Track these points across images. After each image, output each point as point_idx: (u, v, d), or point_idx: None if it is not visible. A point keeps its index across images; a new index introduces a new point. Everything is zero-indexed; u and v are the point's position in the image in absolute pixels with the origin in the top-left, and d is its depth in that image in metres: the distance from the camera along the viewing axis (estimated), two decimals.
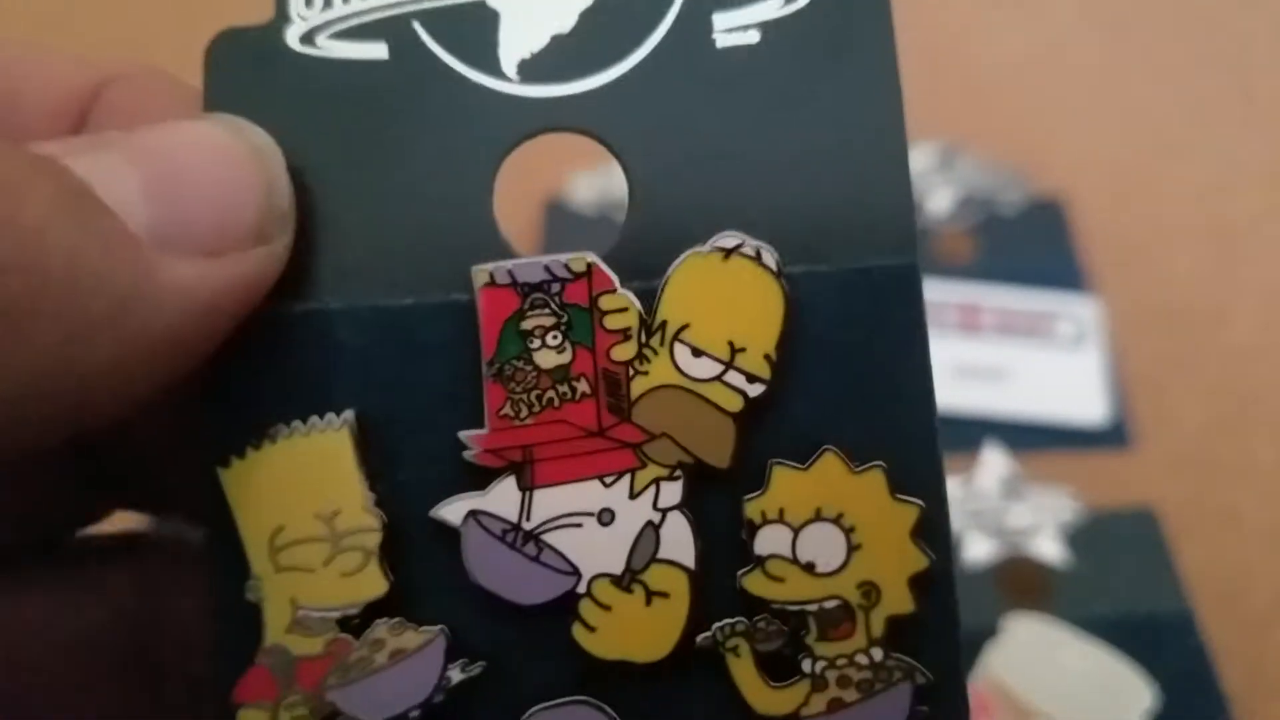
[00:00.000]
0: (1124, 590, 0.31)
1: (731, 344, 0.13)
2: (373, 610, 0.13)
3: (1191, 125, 0.45)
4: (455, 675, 0.12)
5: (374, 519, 0.13)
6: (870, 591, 0.13)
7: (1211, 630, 0.30)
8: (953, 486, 0.32)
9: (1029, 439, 0.36)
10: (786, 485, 0.13)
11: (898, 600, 0.12)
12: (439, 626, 0.12)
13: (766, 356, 0.13)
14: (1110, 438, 0.36)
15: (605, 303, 0.13)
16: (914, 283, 0.13)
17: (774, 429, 0.13)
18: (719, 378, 0.13)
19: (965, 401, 0.37)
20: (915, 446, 0.13)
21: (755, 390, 0.13)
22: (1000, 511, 0.33)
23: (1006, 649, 0.27)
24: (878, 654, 0.12)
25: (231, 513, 0.13)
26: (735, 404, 0.13)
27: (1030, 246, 0.40)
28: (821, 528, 0.13)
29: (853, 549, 0.13)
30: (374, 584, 0.12)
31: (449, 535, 0.13)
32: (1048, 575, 0.31)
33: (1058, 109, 0.45)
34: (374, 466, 0.13)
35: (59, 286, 0.11)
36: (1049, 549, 0.32)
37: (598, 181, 0.41)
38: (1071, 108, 0.45)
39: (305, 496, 0.13)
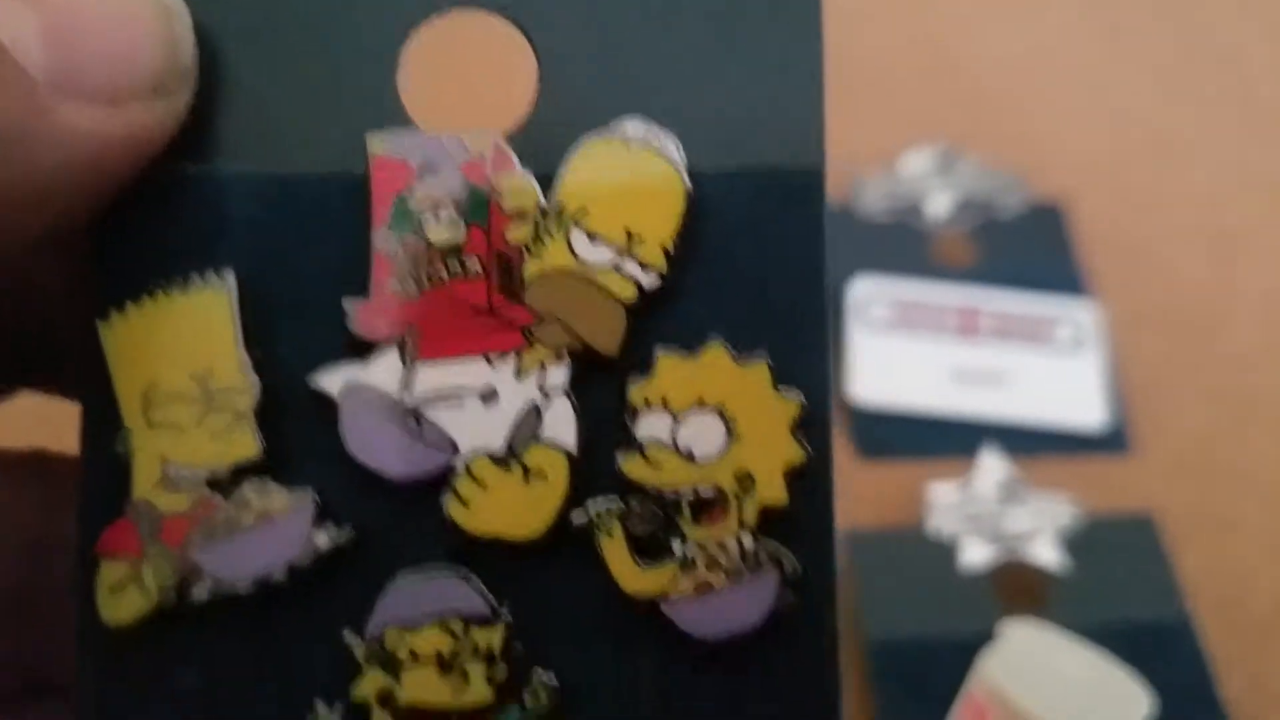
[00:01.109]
0: (1123, 596, 0.31)
1: (629, 232, 0.13)
2: (242, 473, 0.12)
3: (1191, 130, 0.44)
4: (322, 541, 0.12)
5: (248, 381, 0.12)
6: (745, 480, 0.13)
7: (1211, 637, 0.30)
8: (951, 490, 0.33)
9: (1028, 443, 0.36)
10: (671, 373, 0.13)
11: (772, 491, 0.13)
12: (308, 490, 0.12)
13: (663, 247, 0.13)
14: (1109, 443, 0.36)
15: (503, 184, 0.13)
16: (817, 186, 0.13)
17: (664, 319, 0.13)
18: (614, 265, 0.13)
19: (964, 405, 0.36)
20: (802, 343, 0.13)
21: (650, 280, 0.13)
22: (998, 516, 0.33)
23: (1003, 655, 0.27)
24: (748, 541, 0.13)
25: (108, 367, 0.12)
26: (629, 292, 0.13)
27: (1030, 250, 0.40)
28: (703, 416, 0.13)
29: (732, 438, 0.13)
30: (244, 446, 0.12)
31: (327, 405, 0.13)
32: (1046, 581, 0.31)
33: (1057, 113, 0.45)
34: (255, 332, 0.13)
35: None
36: (1047, 554, 0.32)
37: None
38: (1071, 112, 0.45)
39: (181, 355, 0.12)
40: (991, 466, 0.34)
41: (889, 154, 0.41)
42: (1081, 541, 0.32)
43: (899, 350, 0.37)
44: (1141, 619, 0.30)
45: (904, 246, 0.40)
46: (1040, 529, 0.32)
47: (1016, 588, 0.31)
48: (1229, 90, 0.46)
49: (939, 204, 0.40)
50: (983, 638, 0.27)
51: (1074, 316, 0.38)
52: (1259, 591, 0.33)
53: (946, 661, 0.29)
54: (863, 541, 0.32)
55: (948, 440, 0.36)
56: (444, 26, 0.14)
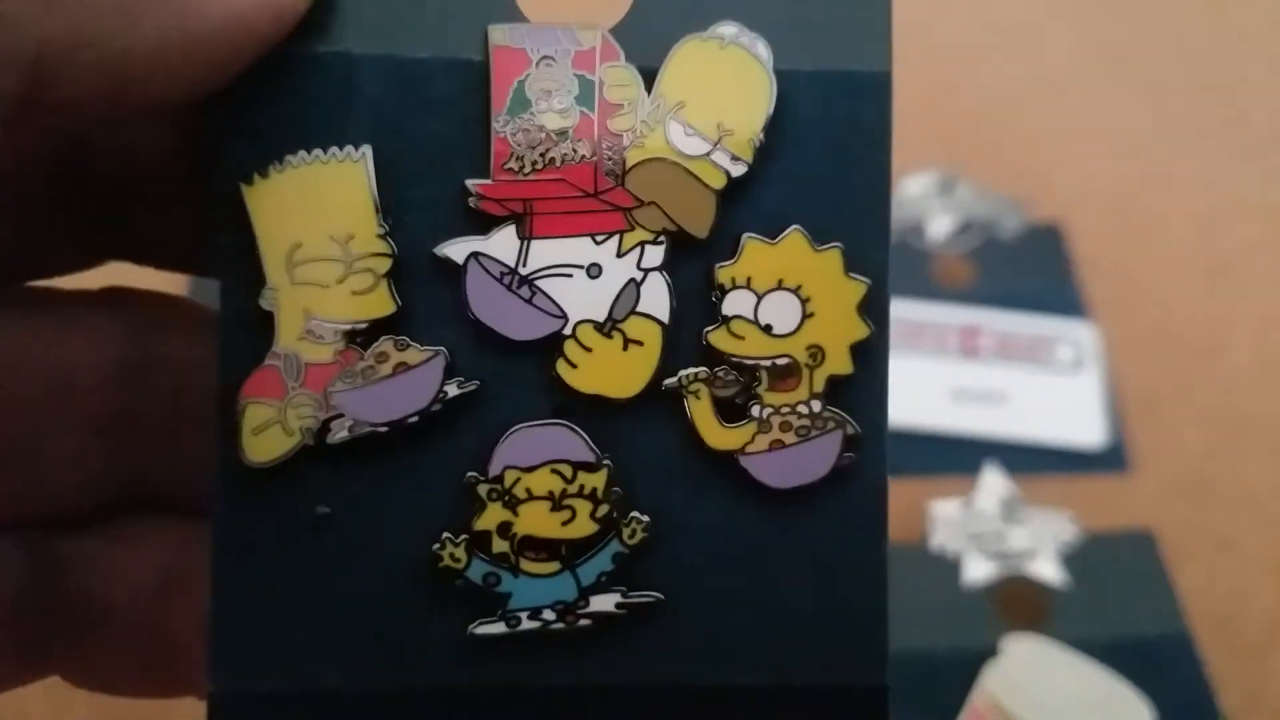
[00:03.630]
0: (1122, 613, 0.31)
1: (720, 125, 0.14)
2: (379, 328, 0.14)
3: (1188, 154, 0.45)
4: (452, 390, 0.14)
5: (386, 246, 0.14)
6: (817, 353, 0.15)
7: (1208, 654, 0.30)
8: (953, 508, 0.33)
9: (1028, 462, 0.36)
10: (755, 256, 0.14)
11: (839, 362, 0.15)
12: (439, 347, 0.14)
13: (751, 140, 0.14)
14: (1108, 461, 0.36)
15: (609, 75, 0.14)
16: (884, 88, 0.15)
17: (750, 206, 0.14)
18: (706, 155, 0.14)
19: (965, 424, 0.37)
20: (870, 233, 0.15)
21: (738, 170, 0.14)
22: (1000, 533, 0.33)
23: (1005, 669, 0.27)
24: (817, 406, 0.15)
25: (251, 227, 0.13)
26: (719, 181, 0.14)
27: (1029, 272, 0.40)
28: (781, 295, 0.15)
29: (806, 316, 0.15)
30: (383, 304, 0.14)
31: (451, 271, 0.14)
32: (1047, 596, 0.32)
33: (1056, 140, 0.45)
34: (386, 203, 0.14)
35: None
36: (1048, 570, 0.32)
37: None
38: (1069, 139, 0.45)
39: (322, 219, 0.14)
40: (993, 484, 0.34)
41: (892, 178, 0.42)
42: (1081, 557, 0.32)
43: (901, 370, 0.37)
44: (1141, 634, 0.30)
45: (905, 267, 0.40)
46: (1041, 545, 0.32)
47: (1018, 603, 0.31)
48: (1225, 118, 0.47)
49: (940, 226, 0.41)
50: (985, 653, 0.27)
51: (1073, 337, 0.38)
52: (1255, 609, 0.33)
53: (949, 676, 0.29)
54: None
55: (950, 458, 0.36)
56: None
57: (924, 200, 0.41)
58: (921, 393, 0.37)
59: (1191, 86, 0.48)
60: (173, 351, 0.15)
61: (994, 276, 0.40)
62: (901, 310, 0.38)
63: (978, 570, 0.32)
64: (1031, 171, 0.44)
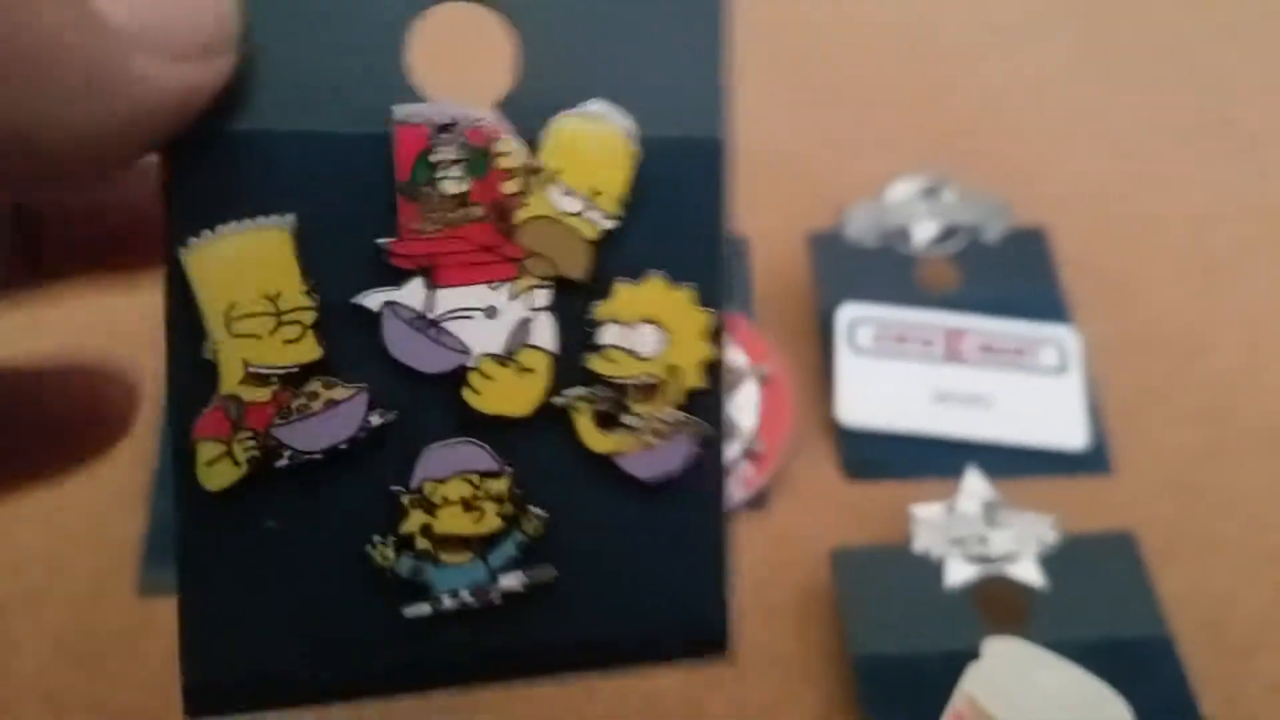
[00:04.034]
0: (1102, 614, 0.31)
1: (593, 187, 0.17)
2: (309, 370, 0.16)
3: (1173, 157, 0.45)
4: (375, 419, 0.17)
5: (310, 300, 0.16)
6: (675, 371, 0.18)
7: (1190, 657, 0.30)
8: (936, 511, 0.33)
9: (1011, 464, 0.36)
10: (624, 295, 0.18)
11: (692, 377, 0.18)
12: (362, 384, 0.16)
13: (618, 199, 0.18)
14: (1092, 463, 0.36)
15: (498, 146, 0.17)
16: (720, 152, 0.18)
17: (619, 254, 0.18)
18: (582, 213, 0.17)
19: (949, 427, 0.37)
20: (713, 275, 0.18)
21: (609, 224, 0.17)
22: (982, 537, 0.33)
23: (986, 671, 0.26)
24: (677, 414, 0.18)
25: (190, 289, 0.15)
26: (593, 233, 0.17)
27: (1014, 276, 0.40)
28: (646, 327, 0.18)
29: (666, 342, 0.18)
30: (310, 350, 0.16)
31: (368, 318, 0.17)
32: (1028, 598, 0.31)
33: (1041, 142, 0.45)
34: (308, 262, 0.16)
35: (49, 51, 0.13)
36: (1030, 572, 0.32)
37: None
38: (1054, 141, 0.45)
39: (254, 279, 0.16)
40: (975, 487, 0.34)
41: (878, 182, 0.41)
42: (1062, 559, 0.32)
43: (885, 373, 0.38)
44: (1121, 636, 0.30)
45: (890, 271, 0.40)
46: (1023, 547, 0.32)
47: (999, 605, 0.31)
48: (1211, 119, 0.46)
49: (925, 230, 0.40)
50: (966, 654, 0.26)
51: (1057, 340, 0.38)
52: (1238, 611, 0.33)
53: (930, 677, 0.28)
54: (848, 559, 0.32)
55: (933, 461, 0.36)
56: (443, 14, 0.17)
57: (909, 205, 0.41)
58: (905, 396, 0.37)
59: (1179, 88, 0.47)
60: None
61: (979, 280, 0.40)
62: (886, 314, 0.39)
63: (959, 573, 0.32)
64: (1017, 174, 0.43)
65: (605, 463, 0.18)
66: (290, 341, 0.16)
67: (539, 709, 0.30)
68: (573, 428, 0.18)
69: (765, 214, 0.40)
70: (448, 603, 0.17)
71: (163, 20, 0.14)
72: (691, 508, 0.18)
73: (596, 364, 0.18)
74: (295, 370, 0.16)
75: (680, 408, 0.18)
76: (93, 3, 0.13)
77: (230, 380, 0.16)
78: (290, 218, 0.16)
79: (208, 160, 0.15)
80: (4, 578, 0.32)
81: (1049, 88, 0.48)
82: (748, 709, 0.31)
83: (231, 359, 0.16)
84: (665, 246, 0.18)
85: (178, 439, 0.16)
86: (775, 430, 0.36)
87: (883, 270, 0.40)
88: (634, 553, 0.18)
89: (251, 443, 0.16)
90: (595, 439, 0.18)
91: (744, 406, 0.36)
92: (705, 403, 0.18)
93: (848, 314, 0.39)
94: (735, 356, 0.37)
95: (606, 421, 0.18)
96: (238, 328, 0.16)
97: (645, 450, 0.18)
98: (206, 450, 0.16)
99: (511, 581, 0.17)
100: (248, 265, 0.16)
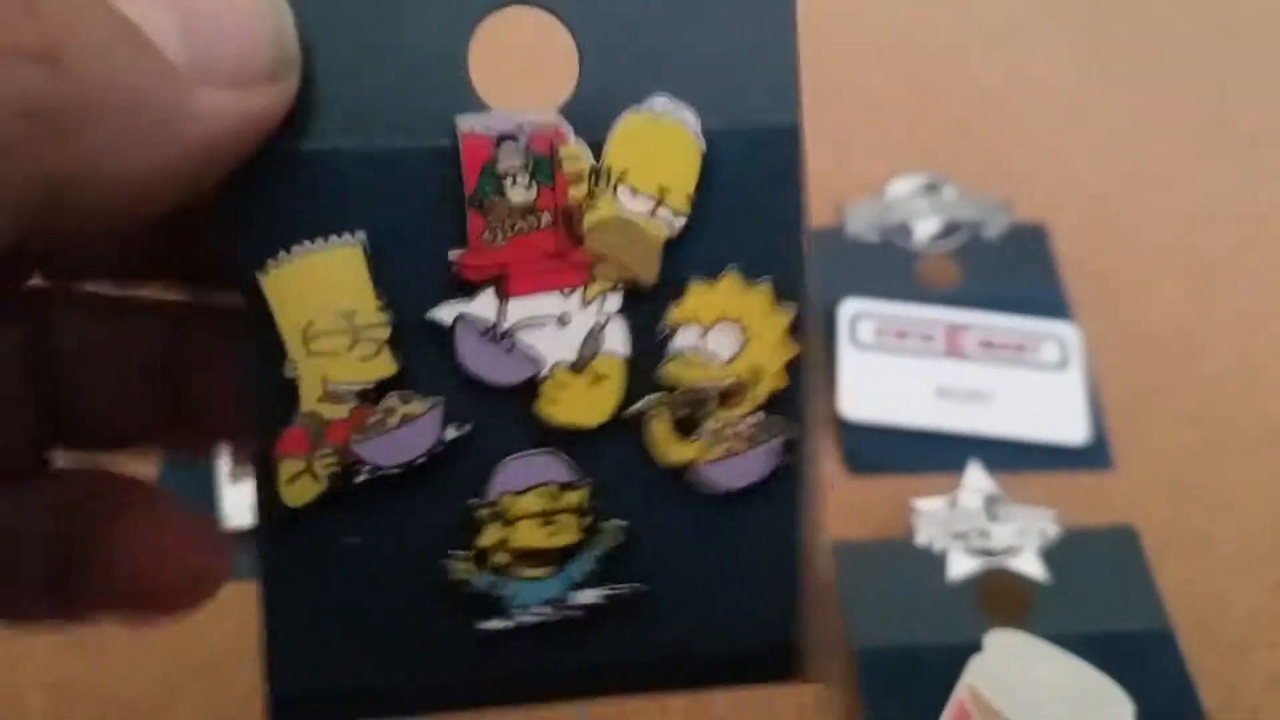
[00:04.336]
0: (1104, 608, 0.31)
1: (660, 186, 0.17)
2: (385, 386, 0.16)
3: (1171, 156, 0.45)
4: (450, 433, 0.16)
5: (384, 317, 0.16)
6: (756, 372, 0.17)
7: (1189, 651, 0.30)
8: (938, 506, 0.34)
9: (1012, 459, 0.36)
10: (699, 296, 0.17)
11: (776, 378, 0.17)
12: (438, 398, 0.16)
13: (687, 197, 0.17)
14: (1092, 458, 0.36)
15: (563, 151, 0.17)
16: (795, 139, 0.17)
17: (691, 253, 0.17)
18: (651, 213, 0.17)
19: (950, 423, 0.37)
20: (792, 268, 0.17)
21: (678, 223, 0.17)
22: (984, 530, 0.33)
23: (988, 664, 0.27)
24: (760, 417, 0.17)
25: (269, 310, 0.16)
26: (663, 234, 0.17)
27: (1014, 272, 0.40)
28: (723, 327, 0.17)
29: (745, 343, 0.17)
30: (386, 366, 0.16)
31: (441, 332, 0.17)
32: (1029, 591, 0.32)
33: (1039, 141, 0.45)
34: (380, 279, 0.16)
35: (123, 94, 0.13)
36: (1031, 566, 0.32)
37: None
38: (1052, 140, 0.45)
39: (329, 298, 0.16)
40: (977, 482, 0.34)
41: (877, 181, 0.42)
42: (1063, 553, 0.32)
43: (887, 368, 0.38)
44: (1122, 629, 0.30)
45: (891, 267, 0.40)
46: (1025, 541, 0.32)
47: (1001, 598, 0.31)
48: (1209, 118, 0.46)
49: (926, 227, 0.41)
50: (968, 647, 0.27)
51: (1058, 335, 0.38)
52: (1236, 606, 0.33)
53: (932, 670, 0.29)
54: (850, 553, 0.32)
55: (934, 456, 0.36)
56: (501, 19, 0.17)
57: (910, 202, 0.41)
58: (907, 391, 0.38)
59: (1177, 87, 0.48)
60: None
61: (979, 277, 0.40)
62: (887, 310, 0.39)
63: (961, 567, 0.32)
64: (1017, 172, 0.44)
65: (686, 472, 0.17)
66: (366, 358, 0.16)
67: None
68: (650, 436, 0.17)
69: None
70: (524, 618, 0.17)
71: (222, 50, 0.14)
72: (775, 516, 0.18)
73: (673, 369, 0.17)
74: (372, 387, 0.16)
75: (766, 409, 0.17)
76: (151, 41, 0.14)
77: (310, 398, 0.16)
78: (361, 235, 0.16)
79: (276, 183, 0.16)
80: None
81: (1048, 87, 0.48)
82: (748, 702, 0.30)
83: (311, 377, 0.16)
84: (739, 242, 0.17)
85: (261, 458, 0.16)
86: None
87: (883, 266, 0.40)
88: (715, 565, 0.17)
89: (331, 459, 0.16)
90: (674, 448, 0.17)
91: None
92: (792, 403, 0.17)
93: (849, 309, 0.39)
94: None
95: (686, 428, 0.17)
96: (315, 346, 0.16)
97: (729, 458, 0.17)
98: (288, 467, 0.16)
99: (591, 596, 0.17)
100: (322, 285, 0.16)
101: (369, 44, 0.16)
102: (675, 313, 0.17)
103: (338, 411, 0.16)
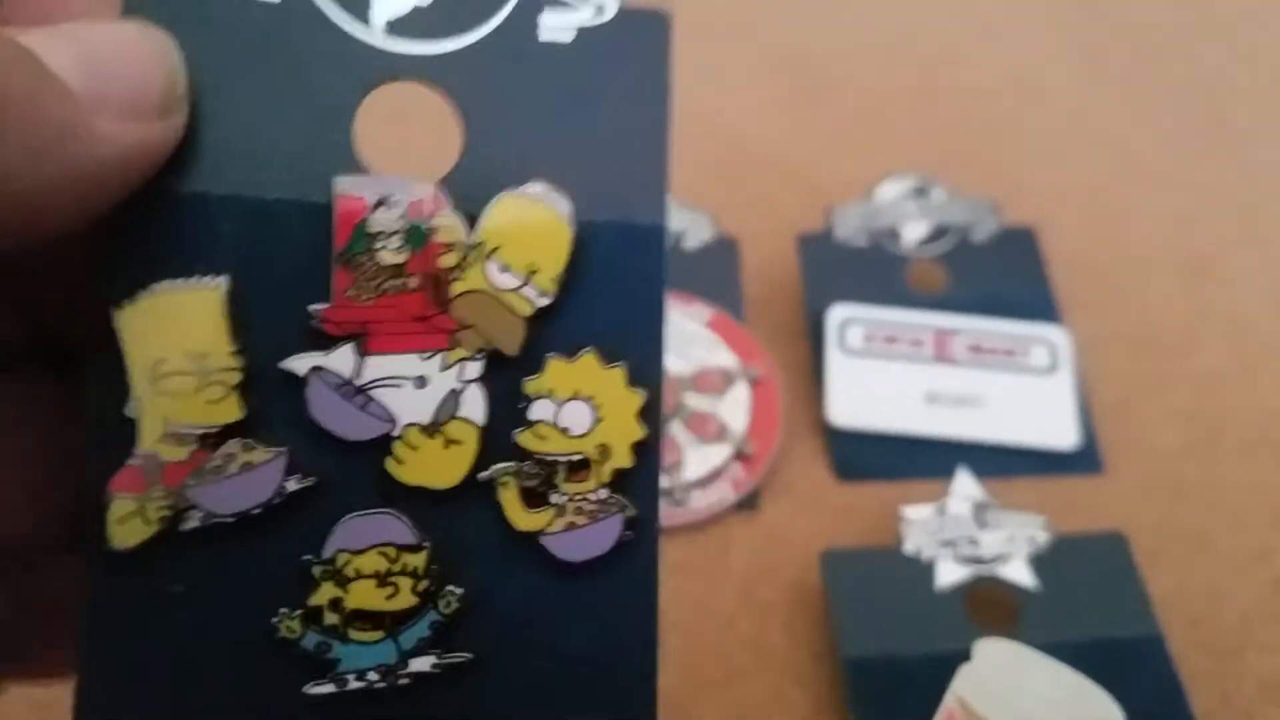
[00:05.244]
0: (1093, 615, 0.31)
1: (529, 265, 0.18)
2: (229, 432, 0.16)
3: (1162, 155, 0.45)
4: (291, 485, 0.16)
5: (236, 362, 0.16)
6: (605, 450, 0.18)
7: (1181, 655, 0.30)
8: (926, 513, 0.33)
9: (1002, 464, 0.36)
10: (556, 372, 0.18)
11: (622, 457, 0.18)
12: (281, 448, 0.16)
13: (554, 278, 0.18)
14: (1083, 463, 0.36)
15: (438, 220, 0.17)
16: (659, 238, 0.18)
17: (552, 331, 0.18)
18: (517, 289, 0.18)
19: (940, 428, 0.37)
20: (649, 354, 0.18)
21: (543, 302, 0.18)
22: (972, 538, 0.33)
23: (977, 672, 0.26)
24: (604, 493, 0.18)
25: (120, 345, 0.16)
26: (527, 310, 0.18)
27: (1003, 275, 0.40)
28: (577, 404, 0.18)
29: (597, 420, 0.18)
30: (232, 411, 0.16)
31: (295, 382, 0.17)
32: (1019, 598, 0.31)
33: (1030, 140, 0.45)
34: (238, 324, 0.16)
35: (18, 111, 0.13)
36: (1020, 573, 0.32)
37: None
38: (1043, 139, 0.45)
39: (182, 338, 0.16)
40: (966, 488, 0.34)
41: (866, 183, 0.41)
42: (1053, 560, 0.32)
43: (875, 373, 0.38)
44: (1112, 636, 0.30)
45: (880, 272, 0.40)
46: (1014, 548, 0.32)
47: (990, 606, 0.31)
48: (1200, 117, 0.47)
49: (914, 231, 0.40)
50: (957, 655, 0.26)
51: (1047, 339, 0.38)
52: (1229, 609, 0.33)
53: (921, 678, 0.29)
54: (839, 560, 0.32)
55: (923, 462, 0.36)
56: (393, 91, 0.18)
57: (899, 205, 0.41)
58: (896, 396, 0.37)
59: (1166, 86, 0.48)
60: None
61: (968, 280, 0.40)
62: (876, 315, 0.39)
63: (950, 575, 0.32)
64: (1006, 173, 0.43)
65: (530, 541, 0.17)
66: (213, 402, 0.16)
67: None
68: (498, 504, 0.17)
69: (755, 215, 0.41)
70: (353, 683, 0.16)
71: (116, 82, 0.15)
72: (619, 590, 0.18)
73: (526, 439, 0.18)
74: (216, 431, 0.16)
75: (610, 488, 0.18)
76: (47, 69, 0.14)
77: (150, 438, 0.16)
78: (223, 279, 0.16)
79: (147, 221, 0.16)
80: None
81: (1038, 88, 0.48)
82: (737, 710, 0.30)
83: (153, 416, 0.16)
84: (600, 325, 0.18)
85: (92, 493, 0.16)
86: (765, 431, 0.36)
87: (872, 271, 0.40)
88: (557, 635, 0.17)
89: (164, 502, 0.16)
90: (521, 516, 0.18)
91: (735, 408, 0.37)
92: (636, 483, 0.18)
93: (838, 315, 0.39)
94: (726, 358, 0.37)
95: (534, 498, 0.18)
96: (161, 386, 0.16)
97: (572, 530, 0.18)
98: (119, 507, 0.16)
99: (422, 664, 0.17)
100: (177, 324, 0.16)
101: (258, 96, 0.16)
102: (532, 385, 0.18)
103: (177, 454, 0.16)
